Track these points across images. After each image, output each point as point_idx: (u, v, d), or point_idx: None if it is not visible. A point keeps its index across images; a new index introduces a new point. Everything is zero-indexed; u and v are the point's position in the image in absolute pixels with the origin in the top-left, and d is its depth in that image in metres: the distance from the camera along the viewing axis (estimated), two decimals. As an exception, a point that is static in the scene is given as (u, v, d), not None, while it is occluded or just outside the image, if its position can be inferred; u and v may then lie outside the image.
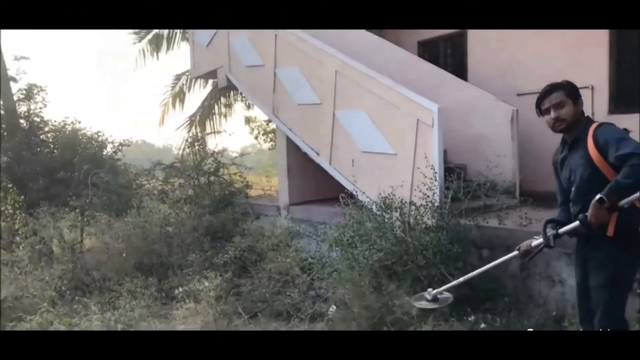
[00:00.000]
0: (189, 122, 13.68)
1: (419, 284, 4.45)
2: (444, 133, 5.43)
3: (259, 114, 13.07)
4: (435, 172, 5.30)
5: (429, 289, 3.63)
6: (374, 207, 5.27)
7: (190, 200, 8.13)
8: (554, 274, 4.52)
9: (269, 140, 14.03)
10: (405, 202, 5.18)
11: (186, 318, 5.03)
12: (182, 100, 14.29)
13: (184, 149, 11.76)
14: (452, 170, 5.79)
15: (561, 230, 3.21)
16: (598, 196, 2.89)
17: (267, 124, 13.07)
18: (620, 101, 6.59)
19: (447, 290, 3.59)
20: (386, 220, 5.00)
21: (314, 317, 4.94)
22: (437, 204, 5.12)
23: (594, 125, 3.10)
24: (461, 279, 3.71)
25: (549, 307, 4.57)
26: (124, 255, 6.69)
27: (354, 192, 6.02)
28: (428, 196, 5.13)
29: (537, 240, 3.36)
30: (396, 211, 5.09)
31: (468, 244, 5.05)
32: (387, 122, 6.11)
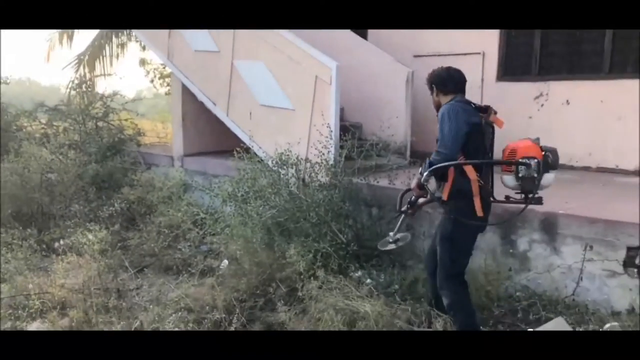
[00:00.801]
0: (77, 61, 12.69)
1: (309, 240, 4.52)
2: (341, 91, 5.45)
3: (155, 56, 12.45)
4: (331, 130, 5.32)
5: (390, 233, 3.81)
6: (269, 162, 5.22)
7: (76, 146, 7.63)
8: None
9: (165, 84, 13.41)
10: (301, 158, 5.19)
11: (67, 272, 4.78)
12: (70, 37, 13.20)
13: (70, 90, 10.94)
14: (347, 129, 5.85)
15: (408, 202, 3.73)
16: (420, 168, 3.43)
17: (164, 67, 12.46)
18: (508, 68, 6.93)
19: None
20: (282, 176, 4.99)
21: (204, 272, 4.88)
22: (331, 162, 5.18)
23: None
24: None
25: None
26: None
27: (251, 146, 5.93)
28: (323, 154, 5.16)
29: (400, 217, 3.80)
30: (292, 168, 5.09)
31: (359, 202, 5.17)
32: (286, 77, 6.02)
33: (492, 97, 6.51)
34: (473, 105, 3.48)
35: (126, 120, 8.58)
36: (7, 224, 5.95)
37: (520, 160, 3.22)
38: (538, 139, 3.32)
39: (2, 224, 5.93)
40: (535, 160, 3.19)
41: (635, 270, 3.81)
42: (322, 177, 5.08)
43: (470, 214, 3.38)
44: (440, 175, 3.41)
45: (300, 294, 3.85)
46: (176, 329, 3.76)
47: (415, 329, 3.81)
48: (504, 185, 3.41)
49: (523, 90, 6.68)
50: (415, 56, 7.35)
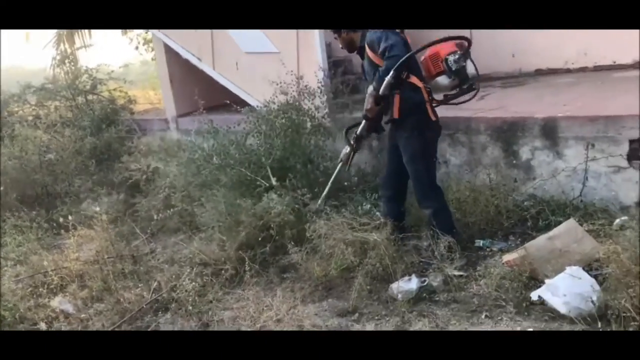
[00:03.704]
0: (56, 37, 12.42)
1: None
2: (325, 26, 5.31)
3: (135, 22, 12.13)
4: (320, 68, 5.24)
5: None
6: (262, 109, 5.14)
7: (69, 123, 7.56)
8: (439, 155, 4.71)
9: (150, 49, 13.14)
10: (293, 103, 5.10)
11: (80, 245, 4.83)
12: (45, 14, 12.87)
13: (54, 68, 10.78)
14: (337, 64, 5.75)
15: (358, 131, 3.91)
16: (370, 87, 3.59)
17: (146, 32, 12.17)
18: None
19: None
20: (277, 125, 4.90)
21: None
22: (324, 99, 5.14)
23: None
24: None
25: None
26: (1, 189, 6.19)
27: (241, 96, 5.86)
28: (314, 95, 5.11)
29: (347, 148, 4.01)
30: (286, 113, 5.01)
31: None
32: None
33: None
34: None
35: (115, 90, 8.46)
36: (13, 209, 5.97)
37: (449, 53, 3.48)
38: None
39: (8, 209, 5.95)
40: (459, 51, 3.48)
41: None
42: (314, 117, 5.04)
43: (426, 122, 3.68)
44: (386, 97, 3.60)
45: (308, 234, 3.86)
46: (195, 284, 3.81)
47: (423, 251, 3.86)
48: (438, 88, 3.66)
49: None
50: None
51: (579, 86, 5.31)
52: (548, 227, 3.79)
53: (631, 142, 3.80)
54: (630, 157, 3.82)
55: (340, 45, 4.05)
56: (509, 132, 4.40)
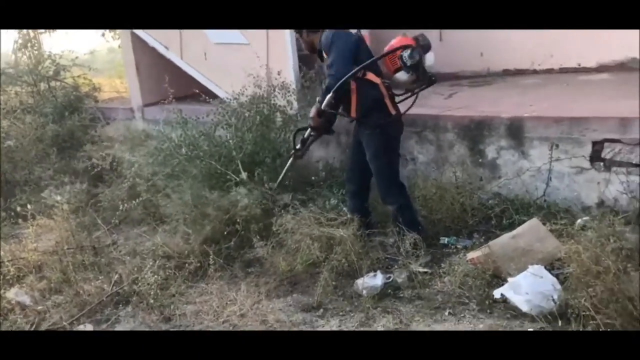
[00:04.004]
0: (19, 20, 12.03)
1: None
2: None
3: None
4: (289, 58, 5.20)
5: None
6: (233, 102, 5.05)
7: (31, 109, 7.33)
8: (407, 153, 4.75)
9: (117, 37, 12.84)
10: (264, 96, 5.04)
11: (39, 236, 4.69)
12: (7, -4, 12.46)
13: (16, 53, 10.41)
14: (307, 59, 5.70)
15: (305, 135, 3.97)
16: (317, 98, 3.66)
17: (112, 19, 11.90)
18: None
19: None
20: (246, 116, 4.83)
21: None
22: (293, 86, 5.11)
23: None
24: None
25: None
26: (-44, 177, 5.98)
27: (209, 87, 5.77)
28: (287, 89, 5.07)
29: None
30: (257, 106, 4.93)
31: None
32: (237, 10, 5.78)
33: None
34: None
35: (79, 76, 8.22)
36: (-31, 196, 5.78)
37: (403, 45, 3.55)
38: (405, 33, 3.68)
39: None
40: (412, 46, 3.54)
41: (602, 163, 3.86)
42: (285, 108, 5.00)
43: (386, 117, 3.71)
44: (342, 96, 3.65)
45: (274, 228, 3.83)
46: (157, 277, 3.74)
47: (389, 248, 3.87)
48: (399, 84, 3.72)
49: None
50: None
51: (545, 87, 5.40)
52: (512, 226, 3.85)
53: (594, 143, 3.87)
54: (593, 159, 3.90)
55: (303, 46, 4.12)
56: (475, 131, 4.44)
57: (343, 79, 3.51)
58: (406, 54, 3.51)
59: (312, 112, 3.74)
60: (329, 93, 3.57)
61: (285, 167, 4.29)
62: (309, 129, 3.93)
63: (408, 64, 3.53)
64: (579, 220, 3.67)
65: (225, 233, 4.13)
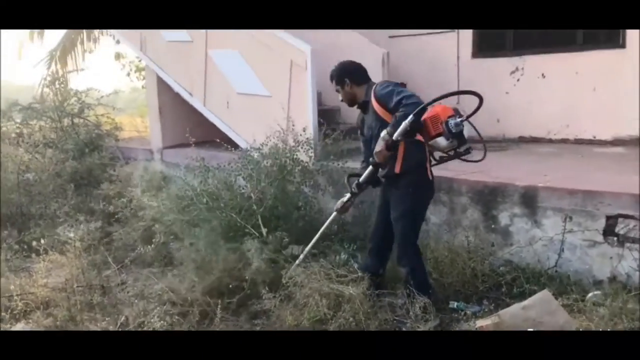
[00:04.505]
0: (49, 57, 12.44)
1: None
2: (318, 75, 5.40)
3: (130, 50, 12.23)
4: (310, 112, 5.31)
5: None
6: (254, 154, 5.11)
7: (52, 144, 7.50)
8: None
9: (142, 77, 13.21)
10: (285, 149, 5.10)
11: (50, 271, 4.71)
12: (41, 33, 12.91)
13: (43, 88, 10.73)
14: (326, 113, 5.83)
15: (361, 178, 3.85)
16: (383, 132, 3.52)
17: (140, 60, 12.26)
18: (483, 45, 6.91)
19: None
20: (269, 169, 4.88)
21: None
22: (315, 149, 5.19)
23: (374, 86, 3.72)
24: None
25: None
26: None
27: (229, 135, 5.88)
28: (309, 145, 5.16)
29: (346, 196, 3.99)
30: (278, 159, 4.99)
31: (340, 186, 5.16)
32: (261, 63, 5.96)
33: (468, 74, 6.53)
34: None
35: (102, 115, 8.42)
36: (-16, 227, 5.85)
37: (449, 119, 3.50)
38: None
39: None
40: (458, 116, 3.52)
41: (615, 238, 3.85)
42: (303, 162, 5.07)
43: (424, 181, 3.71)
44: (398, 143, 3.57)
45: (284, 280, 3.83)
46: (163, 323, 3.73)
47: (398, 309, 3.85)
48: (435, 149, 3.69)
49: (499, 66, 6.68)
50: (391, 37, 7.31)
51: (560, 157, 5.44)
52: (522, 295, 3.82)
53: (608, 218, 3.88)
54: (606, 233, 3.90)
55: (340, 98, 3.98)
56: (489, 197, 4.47)
57: (424, 104, 3.41)
58: (453, 121, 3.46)
59: (380, 145, 3.54)
60: (405, 119, 3.39)
61: (325, 224, 4.20)
62: (368, 170, 3.77)
63: (454, 131, 3.48)
64: (589, 294, 3.64)
65: (231, 286, 4.12)
